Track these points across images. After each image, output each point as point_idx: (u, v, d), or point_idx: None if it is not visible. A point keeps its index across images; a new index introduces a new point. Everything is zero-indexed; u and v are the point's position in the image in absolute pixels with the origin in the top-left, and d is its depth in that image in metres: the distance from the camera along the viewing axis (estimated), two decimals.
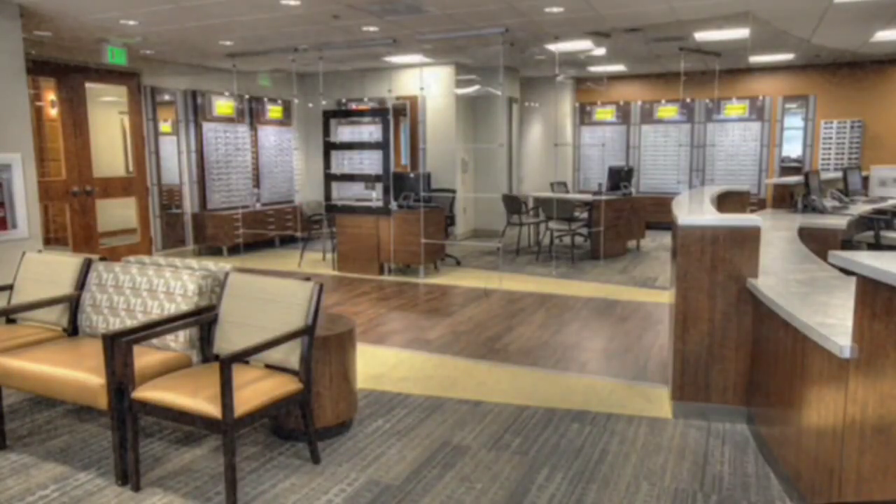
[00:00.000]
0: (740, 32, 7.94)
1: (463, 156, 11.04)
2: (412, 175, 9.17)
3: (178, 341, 3.49)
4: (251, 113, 10.86)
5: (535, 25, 7.27)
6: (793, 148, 11.93)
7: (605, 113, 13.12)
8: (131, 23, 6.89)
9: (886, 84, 11.04)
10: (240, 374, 3.10)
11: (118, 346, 3.02)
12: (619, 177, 10.06)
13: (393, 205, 8.25)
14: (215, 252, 10.13)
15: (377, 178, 8.32)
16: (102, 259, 4.01)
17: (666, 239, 10.76)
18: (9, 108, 5.71)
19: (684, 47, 9.01)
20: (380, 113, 8.66)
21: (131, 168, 9.48)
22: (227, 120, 10.39)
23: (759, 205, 10.55)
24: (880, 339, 2.14)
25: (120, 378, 3.04)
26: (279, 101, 11.38)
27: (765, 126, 11.81)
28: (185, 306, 3.52)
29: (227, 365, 2.73)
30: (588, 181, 13.09)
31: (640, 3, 6.33)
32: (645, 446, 3.46)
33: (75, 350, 3.49)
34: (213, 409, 2.79)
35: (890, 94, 11.03)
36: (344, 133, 11.29)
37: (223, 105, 10.33)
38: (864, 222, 6.32)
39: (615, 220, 9.31)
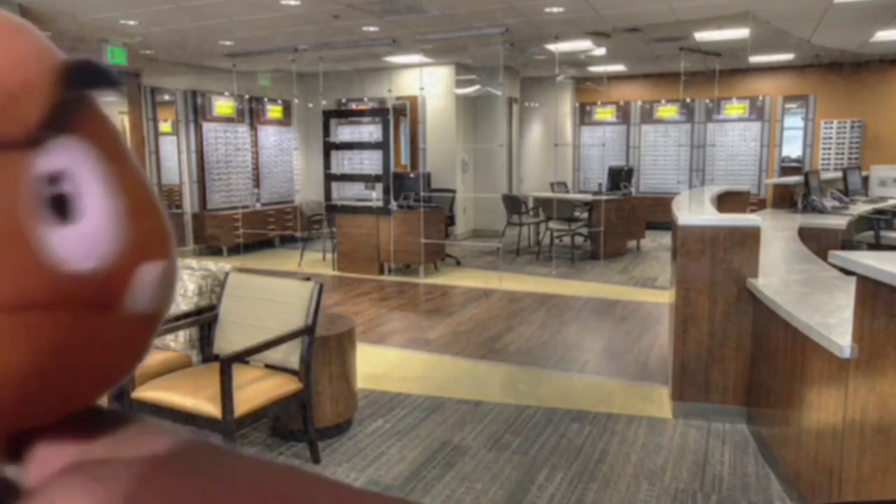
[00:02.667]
0: (740, 32, 7.94)
1: (463, 156, 11.03)
2: (412, 175, 9.17)
3: (178, 341, 3.49)
4: (251, 113, 10.87)
5: (535, 25, 7.28)
6: (793, 148, 11.93)
7: (605, 113, 13.11)
8: (131, 23, 6.89)
9: (886, 84, 11.03)
10: (240, 374, 3.10)
11: None
12: (619, 177, 10.05)
13: (393, 205, 8.25)
14: (215, 252, 10.12)
15: (377, 178, 8.32)
16: None
17: (666, 239, 10.75)
18: None
19: (684, 47, 9.01)
20: (380, 113, 8.66)
21: None
22: (227, 120, 10.39)
23: (759, 205, 10.55)
24: (880, 339, 2.14)
25: None
26: (279, 101, 11.38)
27: (765, 126, 11.81)
28: (184, 306, 3.52)
29: (227, 365, 2.73)
30: (588, 181, 13.09)
31: (640, 3, 6.33)
32: (645, 446, 3.46)
33: None
34: (213, 409, 2.79)
35: (890, 94, 11.02)
36: (344, 133, 11.30)
37: (223, 105, 10.34)
38: (864, 222, 6.32)
39: (615, 220, 9.31)
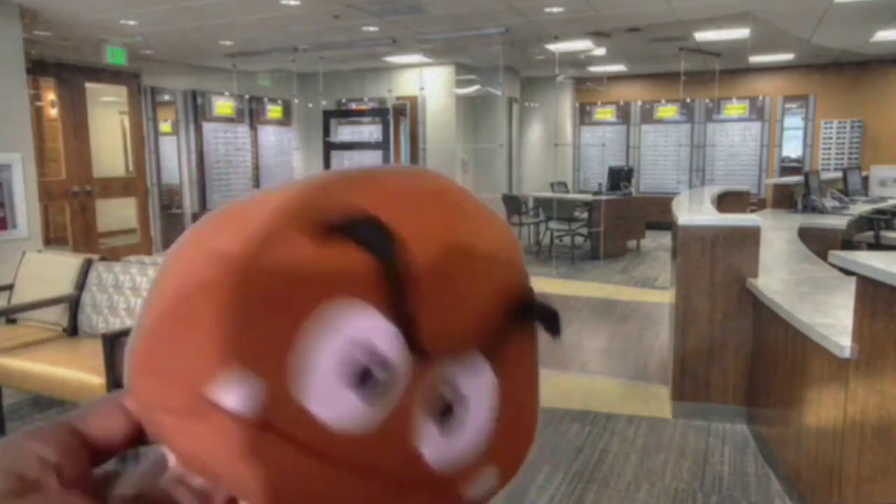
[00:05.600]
0: (740, 32, 7.94)
1: (463, 156, 11.03)
2: None
3: None
4: (251, 113, 10.86)
5: (535, 25, 7.28)
6: (793, 148, 11.92)
7: (605, 113, 13.11)
8: (131, 23, 6.89)
9: (886, 84, 11.03)
10: None
11: (118, 346, 3.01)
12: (619, 177, 10.05)
13: None
14: None
15: None
16: (102, 259, 4.01)
17: (666, 239, 10.74)
18: (9, 108, 5.71)
19: (684, 47, 9.01)
20: (380, 113, 8.66)
21: (131, 168, 9.48)
22: (227, 120, 10.39)
23: (759, 205, 10.55)
24: (880, 339, 2.14)
25: (120, 378, 3.04)
26: (279, 101, 11.38)
27: (765, 126, 11.81)
28: None
29: None
30: (588, 181, 13.09)
31: (640, 3, 6.33)
32: (645, 446, 3.46)
33: (75, 350, 3.48)
34: None
35: (890, 94, 11.02)
36: (344, 133, 11.29)
37: (223, 105, 10.33)
38: (864, 222, 6.32)
39: (615, 220, 9.31)
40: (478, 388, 0.31)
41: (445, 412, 0.31)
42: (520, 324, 0.33)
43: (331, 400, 0.28)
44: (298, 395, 0.28)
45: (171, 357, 0.30)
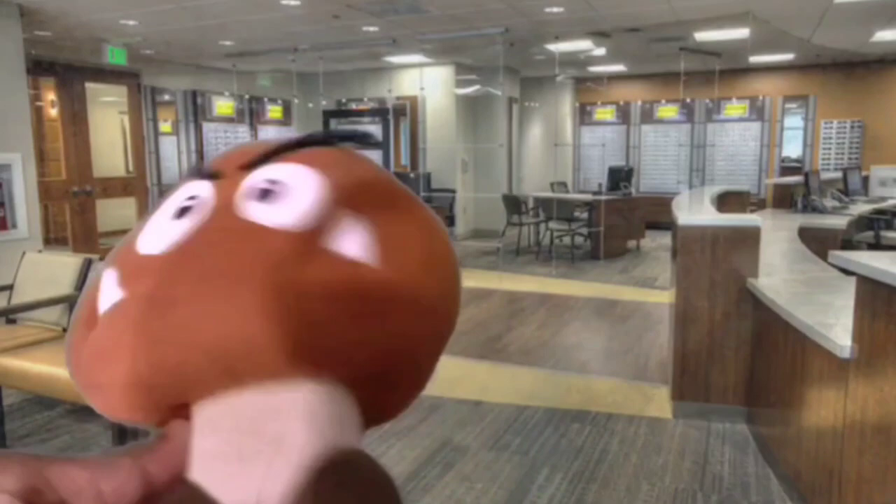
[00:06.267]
0: (740, 32, 7.94)
1: (463, 156, 11.03)
2: (412, 175, 9.16)
3: None
4: (251, 113, 10.86)
5: (535, 25, 7.28)
6: (793, 148, 11.92)
7: (605, 113, 13.11)
8: (131, 23, 6.89)
9: (886, 84, 11.03)
10: None
11: None
12: (619, 177, 10.05)
13: None
14: None
15: None
16: (102, 259, 4.00)
17: (666, 239, 10.73)
18: (9, 108, 5.71)
19: (684, 47, 9.01)
20: (380, 113, 8.65)
21: (131, 168, 9.48)
22: (227, 120, 10.39)
23: (760, 205, 10.54)
24: (880, 339, 2.14)
25: None
26: (279, 101, 11.37)
27: (765, 126, 11.80)
28: None
29: None
30: (588, 181, 13.08)
31: (640, 3, 6.33)
32: (645, 446, 3.46)
33: None
34: None
35: (890, 94, 11.02)
36: None
37: (223, 105, 10.33)
38: (864, 222, 6.32)
39: (615, 220, 9.31)
40: (288, 173, 0.37)
41: (266, 194, 0.36)
42: (310, 145, 0.40)
43: (166, 234, 0.36)
44: (143, 251, 0.37)
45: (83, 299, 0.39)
